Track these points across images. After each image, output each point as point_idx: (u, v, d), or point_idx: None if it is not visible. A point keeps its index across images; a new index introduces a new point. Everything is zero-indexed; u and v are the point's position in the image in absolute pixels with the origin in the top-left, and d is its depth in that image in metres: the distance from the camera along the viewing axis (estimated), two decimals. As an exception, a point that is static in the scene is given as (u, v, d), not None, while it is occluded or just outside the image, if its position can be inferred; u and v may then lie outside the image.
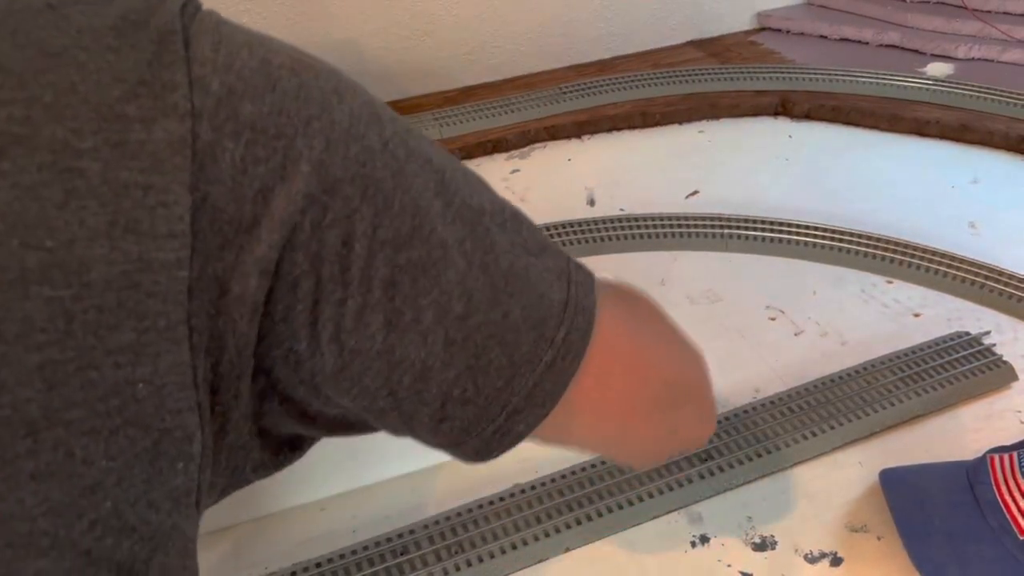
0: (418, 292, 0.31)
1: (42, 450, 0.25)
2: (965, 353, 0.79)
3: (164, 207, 0.26)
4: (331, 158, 0.29)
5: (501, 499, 0.67)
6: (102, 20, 0.27)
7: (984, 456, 0.63)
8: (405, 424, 0.35)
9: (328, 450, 0.66)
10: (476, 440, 0.36)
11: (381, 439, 0.68)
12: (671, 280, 0.92)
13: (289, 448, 0.36)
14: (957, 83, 1.25)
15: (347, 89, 0.31)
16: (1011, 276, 0.89)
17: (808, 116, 1.23)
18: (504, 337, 0.34)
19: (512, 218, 0.36)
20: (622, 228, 0.98)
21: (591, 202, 1.05)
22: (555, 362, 0.35)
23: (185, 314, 0.27)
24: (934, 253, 0.92)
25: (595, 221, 0.99)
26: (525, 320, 0.34)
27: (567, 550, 0.64)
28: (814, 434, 0.72)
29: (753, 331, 0.85)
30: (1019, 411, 0.75)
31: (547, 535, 0.64)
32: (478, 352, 0.33)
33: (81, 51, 0.26)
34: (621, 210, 1.02)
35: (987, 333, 0.82)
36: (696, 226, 0.98)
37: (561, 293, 0.36)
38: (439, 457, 0.70)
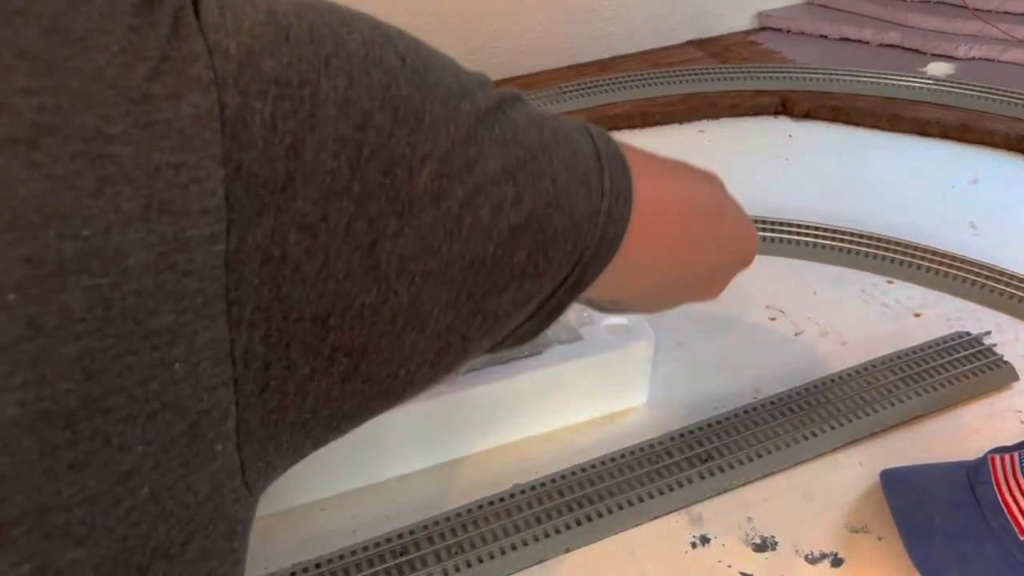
0: (470, 193, 0.31)
1: (80, 440, 0.25)
2: (966, 353, 0.79)
3: (196, 184, 0.26)
4: (356, 92, 0.29)
5: (501, 499, 0.67)
6: (121, 1, 0.26)
7: (985, 456, 0.63)
8: (487, 325, 0.35)
9: (328, 450, 0.66)
10: (553, 302, 0.37)
11: (381, 438, 0.68)
12: (671, 280, 0.92)
13: (350, 421, 0.35)
14: (957, 83, 1.25)
15: (352, 17, 0.31)
16: (1011, 276, 0.89)
17: (808, 116, 1.23)
18: (559, 202, 0.34)
19: (515, 97, 0.36)
20: (622, 228, 0.97)
21: (591, 202, 1.05)
22: (611, 208, 0.37)
23: (223, 288, 0.27)
24: (934, 253, 0.92)
25: (595, 221, 0.98)
26: (571, 179, 0.35)
27: (567, 550, 0.64)
28: (814, 434, 0.72)
29: (753, 331, 0.85)
30: (1020, 411, 0.75)
31: (547, 535, 0.64)
32: (541, 226, 0.34)
33: (104, 34, 0.25)
34: (621, 210, 1.02)
35: (987, 333, 0.82)
36: (696, 226, 0.98)
37: (588, 144, 0.37)
38: (438, 458, 0.71)
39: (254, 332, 0.28)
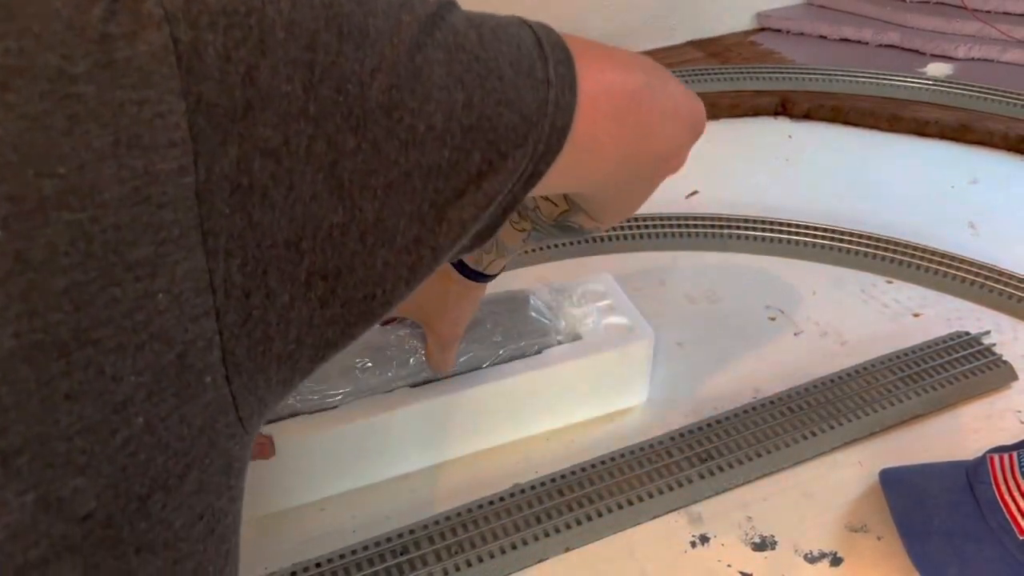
0: (420, 101, 0.32)
1: (74, 370, 0.26)
2: (965, 353, 0.79)
3: (160, 118, 0.27)
4: (300, 14, 0.29)
5: (501, 499, 0.67)
6: None
7: (984, 456, 0.63)
8: (453, 232, 0.35)
9: (329, 451, 0.66)
10: (507, 196, 0.37)
11: (382, 438, 0.68)
12: (671, 280, 0.92)
13: (331, 347, 0.35)
14: (957, 83, 1.25)
15: None
16: (1011, 276, 0.89)
17: (808, 116, 1.23)
18: (508, 98, 0.35)
19: (450, 2, 0.36)
20: (622, 228, 0.98)
21: (591, 202, 1.05)
22: (558, 98, 0.37)
23: (197, 219, 0.28)
24: (934, 253, 0.92)
25: (595, 221, 0.99)
26: (517, 74, 0.35)
27: (567, 550, 0.64)
28: (814, 434, 0.72)
29: (753, 331, 0.85)
30: (1019, 411, 0.75)
31: (547, 535, 0.64)
32: (493, 125, 0.34)
33: None
34: (621, 210, 1.02)
35: (987, 333, 0.82)
36: (696, 226, 0.98)
37: (529, 36, 0.37)
38: (438, 457, 0.71)
39: (231, 261, 0.29)
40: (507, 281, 0.78)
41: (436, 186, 0.33)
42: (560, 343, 0.72)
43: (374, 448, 0.68)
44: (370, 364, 0.67)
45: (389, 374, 0.68)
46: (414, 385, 0.69)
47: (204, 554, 0.32)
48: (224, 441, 0.31)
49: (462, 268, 0.63)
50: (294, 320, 0.31)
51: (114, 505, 0.28)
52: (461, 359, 0.69)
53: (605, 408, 0.75)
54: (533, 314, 0.73)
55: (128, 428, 0.28)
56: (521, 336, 0.71)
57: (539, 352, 0.71)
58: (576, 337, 0.73)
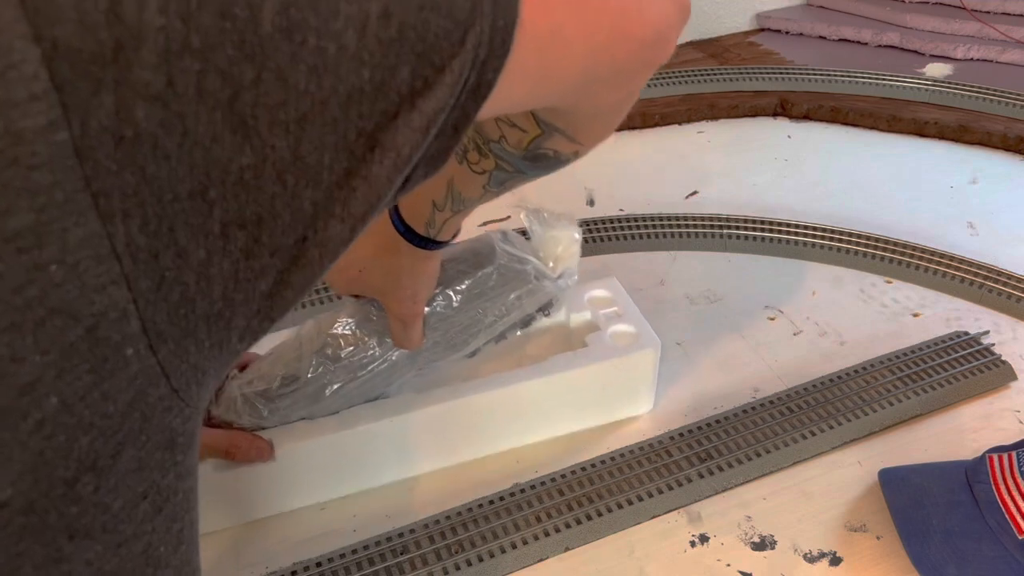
0: (325, 19, 0.28)
1: None
2: (964, 353, 0.79)
3: (13, 69, 0.23)
4: None
5: (501, 499, 0.67)
6: None
7: (983, 456, 0.63)
8: (390, 159, 0.31)
9: (333, 457, 0.66)
10: (455, 112, 0.33)
11: (385, 444, 0.68)
12: (671, 280, 0.92)
13: (274, 303, 0.32)
14: (956, 83, 1.25)
15: None
16: (1010, 276, 0.89)
17: (807, 116, 1.23)
18: (434, 2, 0.30)
19: None
20: (622, 228, 0.98)
21: (591, 202, 1.05)
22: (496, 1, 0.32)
23: (82, 180, 0.25)
24: (933, 253, 0.92)
25: (595, 221, 0.99)
26: None
27: (567, 549, 0.64)
28: (813, 434, 0.72)
29: (753, 331, 0.85)
30: (1018, 411, 0.75)
31: (547, 534, 0.64)
32: (419, 34, 0.30)
33: None
34: (621, 210, 1.02)
35: (986, 333, 0.82)
36: (696, 226, 0.98)
37: None
38: (442, 463, 0.71)
39: (130, 222, 0.26)
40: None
41: (360, 111, 0.29)
42: (554, 283, 0.69)
43: (375, 454, 0.68)
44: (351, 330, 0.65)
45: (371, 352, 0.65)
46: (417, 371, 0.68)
47: (153, 535, 0.30)
48: (160, 415, 0.29)
49: (411, 236, 0.59)
50: (215, 276, 0.28)
51: (34, 491, 0.26)
52: (457, 336, 0.67)
53: (610, 416, 0.75)
54: (508, 264, 0.68)
55: (39, 410, 0.26)
56: (504, 299, 0.67)
57: (545, 312, 0.69)
58: (565, 288, 0.70)
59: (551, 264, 0.70)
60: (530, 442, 0.73)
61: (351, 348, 0.65)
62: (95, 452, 0.27)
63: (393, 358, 0.66)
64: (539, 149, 0.51)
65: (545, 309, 0.69)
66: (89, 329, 0.26)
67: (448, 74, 0.31)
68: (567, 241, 0.70)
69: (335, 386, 0.65)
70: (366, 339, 0.65)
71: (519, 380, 0.69)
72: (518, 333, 0.70)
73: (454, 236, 0.61)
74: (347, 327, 0.65)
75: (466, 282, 0.67)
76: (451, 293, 0.66)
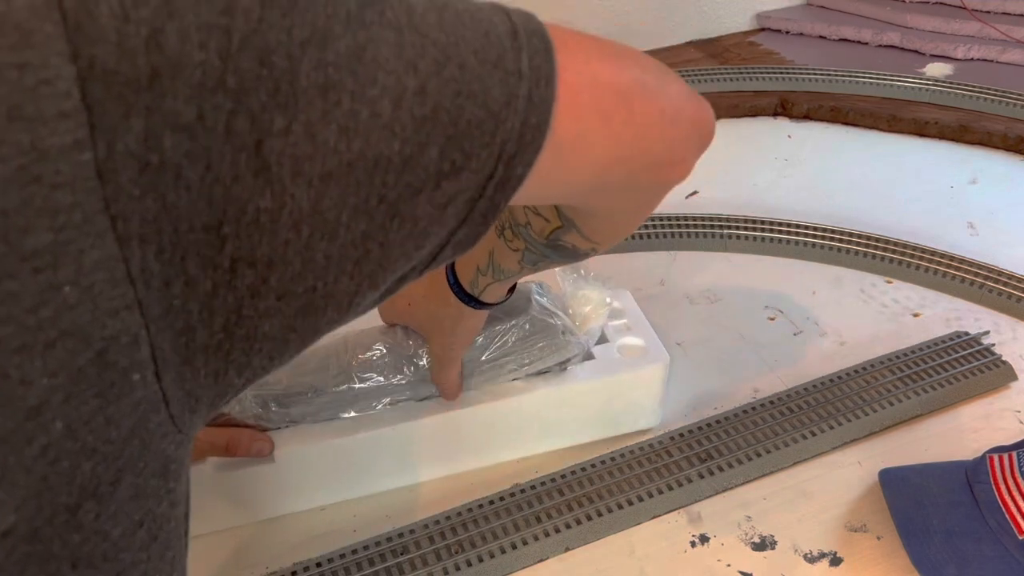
0: (362, 84, 0.28)
1: None
2: (964, 353, 0.79)
3: (47, 85, 0.23)
4: None
5: (501, 499, 0.67)
6: None
7: (983, 456, 0.63)
8: (406, 229, 0.32)
9: (333, 464, 0.66)
10: (483, 202, 0.34)
11: (388, 451, 0.68)
12: (671, 280, 0.92)
13: (277, 345, 0.32)
14: (956, 83, 1.25)
15: None
16: (1010, 276, 0.89)
17: (807, 116, 1.23)
18: (470, 89, 0.31)
19: None
20: (622, 228, 0.98)
21: (591, 202, 1.05)
22: (532, 93, 0.33)
23: (102, 202, 0.25)
24: (933, 253, 0.92)
25: (595, 221, 0.99)
26: (482, 63, 0.31)
27: (567, 550, 0.64)
28: (813, 434, 0.72)
29: (752, 331, 0.85)
30: (1018, 411, 0.75)
31: (547, 535, 0.64)
32: (452, 119, 0.31)
33: None
34: (621, 210, 1.02)
35: (986, 333, 0.82)
36: (696, 226, 0.98)
37: (504, 22, 0.33)
38: (441, 471, 0.70)
39: (147, 248, 0.26)
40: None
41: (386, 180, 0.30)
42: (577, 346, 0.69)
43: (376, 462, 0.68)
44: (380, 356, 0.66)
45: (394, 379, 0.66)
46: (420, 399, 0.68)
47: (148, 563, 0.30)
48: (158, 441, 0.29)
49: (458, 290, 0.60)
50: (219, 309, 0.28)
51: (38, 518, 0.26)
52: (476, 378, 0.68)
53: (615, 430, 0.74)
54: (540, 316, 0.69)
55: (46, 435, 0.25)
56: (530, 349, 0.68)
57: (563, 367, 0.69)
58: (585, 353, 0.71)
59: (578, 323, 0.71)
60: (532, 454, 0.72)
61: (377, 372, 0.66)
62: (97, 478, 0.27)
63: (410, 392, 0.67)
64: (559, 240, 0.53)
65: (564, 365, 0.70)
66: (99, 353, 0.26)
67: (475, 161, 0.32)
68: (597, 303, 0.71)
69: (350, 409, 0.66)
70: (393, 370, 0.66)
71: (523, 392, 0.69)
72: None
73: (501, 301, 0.62)
74: (381, 354, 0.66)
75: (498, 327, 0.68)
76: (479, 337, 0.67)
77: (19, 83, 0.23)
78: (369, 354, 0.66)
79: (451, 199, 0.32)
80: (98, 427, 0.26)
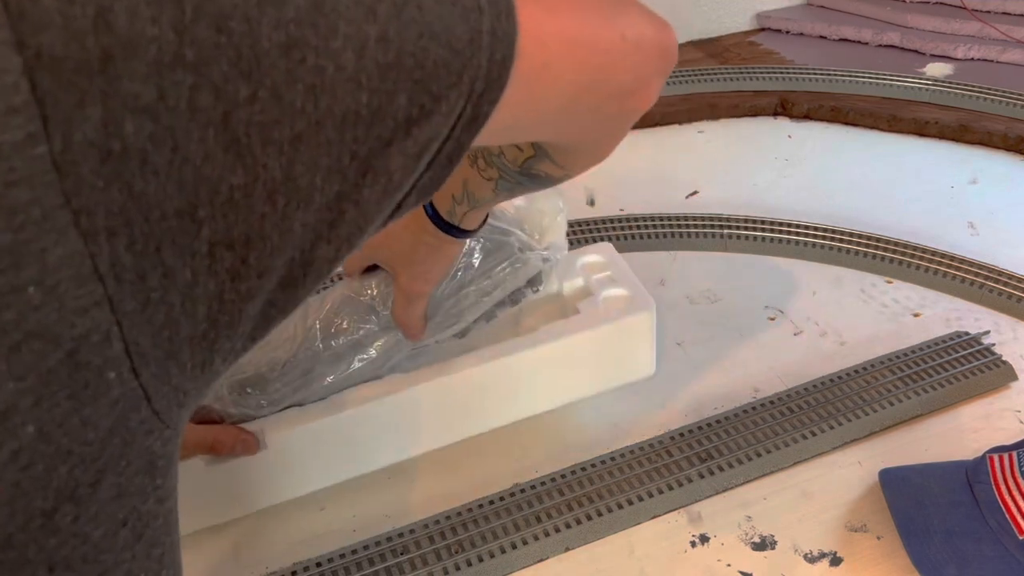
0: (324, 37, 0.27)
1: None
2: (964, 353, 0.79)
3: None
4: None
5: (501, 499, 0.67)
6: None
7: (983, 456, 0.63)
8: (381, 184, 0.31)
9: (323, 438, 0.66)
10: (450, 144, 0.33)
11: (379, 423, 0.68)
12: (671, 280, 0.92)
13: (257, 323, 0.31)
14: (956, 83, 1.25)
15: None
16: (1010, 276, 0.89)
17: (808, 116, 1.23)
18: (432, 30, 0.30)
19: None
20: (622, 228, 0.98)
21: (591, 202, 1.05)
22: (495, 27, 0.32)
23: (61, 196, 0.23)
24: (933, 253, 0.92)
25: (595, 221, 0.99)
26: (441, 3, 0.30)
27: (567, 549, 0.64)
28: (813, 434, 0.72)
29: (753, 331, 0.85)
30: (1018, 411, 0.75)
31: (547, 535, 0.64)
32: (418, 61, 0.30)
33: None
34: (621, 210, 1.02)
35: (986, 333, 0.82)
36: (696, 226, 0.98)
37: None
38: (436, 443, 0.70)
39: (116, 241, 0.25)
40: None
41: (356, 135, 0.29)
42: (540, 255, 0.68)
43: (368, 437, 0.68)
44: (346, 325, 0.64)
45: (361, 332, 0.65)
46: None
47: (133, 562, 0.29)
48: (142, 439, 0.28)
49: (437, 219, 0.59)
50: (200, 297, 0.28)
51: (11, 524, 0.25)
52: (438, 320, 0.67)
53: (610, 383, 0.74)
54: (493, 237, 0.67)
55: (15, 440, 0.24)
56: (490, 274, 0.66)
57: (535, 288, 0.68)
58: (554, 263, 0.70)
59: (537, 237, 0.69)
60: (529, 415, 0.72)
61: (343, 329, 0.65)
62: (74, 481, 0.26)
63: (382, 341, 0.66)
64: (532, 169, 0.53)
65: (534, 284, 0.68)
66: (69, 353, 0.25)
67: (444, 104, 0.31)
68: (551, 212, 0.70)
69: (326, 373, 0.65)
70: (358, 321, 0.65)
71: (510, 352, 0.69)
72: (508, 310, 0.69)
73: (478, 227, 0.62)
74: (340, 309, 0.65)
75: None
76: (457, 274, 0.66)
77: None
78: (331, 311, 0.65)
79: (423, 147, 0.31)
80: (73, 429, 0.26)
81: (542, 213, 0.70)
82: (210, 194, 0.26)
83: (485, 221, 0.63)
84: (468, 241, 0.66)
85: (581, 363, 0.72)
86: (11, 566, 0.25)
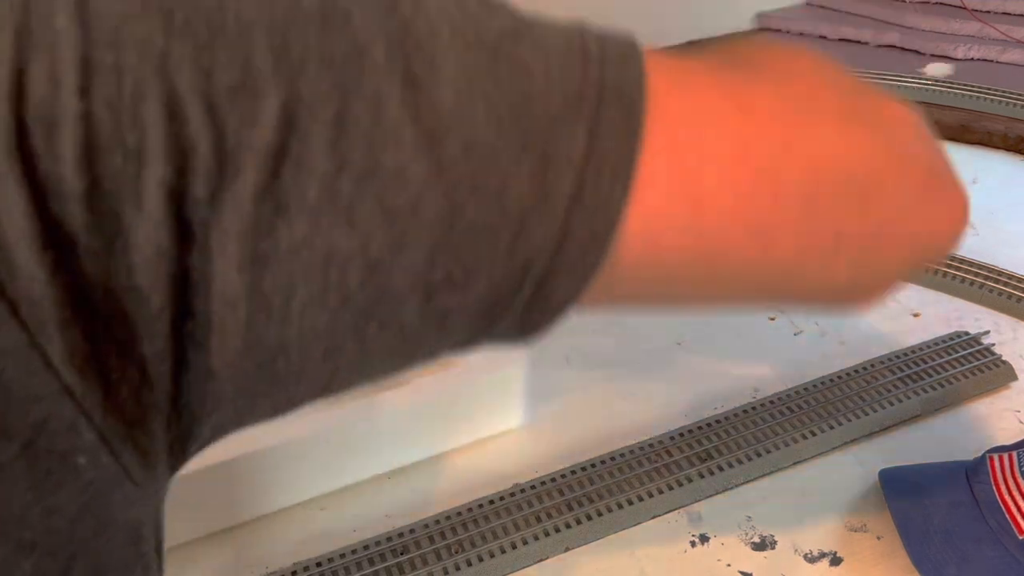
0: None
1: None
2: (964, 353, 0.79)
3: None
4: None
5: (501, 499, 0.67)
6: None
7: (983, 456, 0.63)
8: (388, 337, 0.26)
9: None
10: (505, 323, 0.26)
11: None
12: (671, 280, 0.92)
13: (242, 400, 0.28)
14: (956, 83, 1.25)
15: None
16: (1010, 276, 0.89)
17: (807, 116, 1.23)
18: (476, 183, 0.22)
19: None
20: (622, 228, 0.98)
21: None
22: (582, 191, 0.23)
23: None
24: (933, 253, 0.92)
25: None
26: (503, 137, 0.22)
27: (567, 549, 0.64)
28: (813, 433, 0.72)
29: (753, 331, 0.85)
30: (1018, 411, 0.75)
31: (547, 534, 0.64)
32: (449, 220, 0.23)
33: None
34: (621, 210, 1.02)
35: (986, 333, 0.82)
36: (696, 226, 0.98)
37: (574, 65, 0.24)
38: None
39: (69, 332, 0.22)
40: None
41: (349, 273, 0.25)
42: None
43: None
44: None
45: None
46: None
47: None
48: (123, 513, 0.26)
49: None
50: (184, 374, 0.25)
51: None
52: None
53: (474, 435, 0.72)
54: None
55: None
56: None
57: None
58: None
59: None
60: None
61: None
62: (41, 572, 0.24)
63: None
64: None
65: None
66: (25, 445, 0.22)
67: (479, 279, 0.25)
68: None
69: None
70: None
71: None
72: None
73: None
74: None
75: None
76: None
77: None
78: None
79: (446, 313, 0.25)
80: (34, 520, 0.23)
81: None
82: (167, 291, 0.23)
83: None
84: None
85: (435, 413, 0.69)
86: None
